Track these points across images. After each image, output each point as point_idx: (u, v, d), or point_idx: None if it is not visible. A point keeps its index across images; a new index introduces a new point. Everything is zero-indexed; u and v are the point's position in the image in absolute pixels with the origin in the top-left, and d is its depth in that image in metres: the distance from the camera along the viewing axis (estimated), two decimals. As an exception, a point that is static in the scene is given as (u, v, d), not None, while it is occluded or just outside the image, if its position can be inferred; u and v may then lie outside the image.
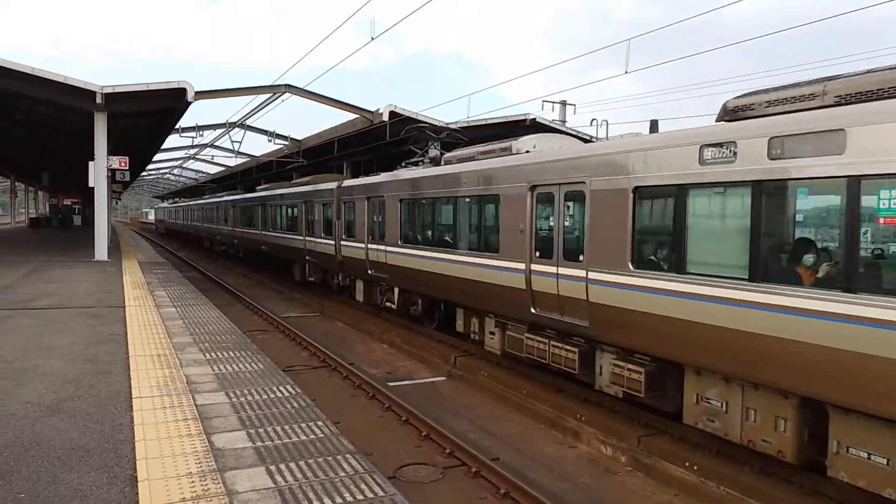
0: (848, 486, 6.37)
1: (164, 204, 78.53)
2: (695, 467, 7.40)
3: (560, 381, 10.32)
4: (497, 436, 8.97)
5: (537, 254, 9.87)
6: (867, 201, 5.69)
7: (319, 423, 5.84)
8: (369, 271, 16.13)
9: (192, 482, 4.47)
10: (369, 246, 15.97)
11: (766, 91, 6.95)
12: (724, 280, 6.84)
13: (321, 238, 19.97)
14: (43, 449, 5.07)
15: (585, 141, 14.90)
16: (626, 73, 13.04)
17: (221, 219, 37.62)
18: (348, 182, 18.89)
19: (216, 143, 38.58)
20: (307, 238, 21.42)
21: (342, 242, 18.19)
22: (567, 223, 9.41)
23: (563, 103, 28.62)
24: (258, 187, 32.59)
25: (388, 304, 15.94)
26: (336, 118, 26.65)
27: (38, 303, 12.34)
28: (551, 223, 9.72)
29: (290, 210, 24.46)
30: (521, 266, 10.11)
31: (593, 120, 31.18)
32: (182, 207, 58.07)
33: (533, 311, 9.90)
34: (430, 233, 13.61)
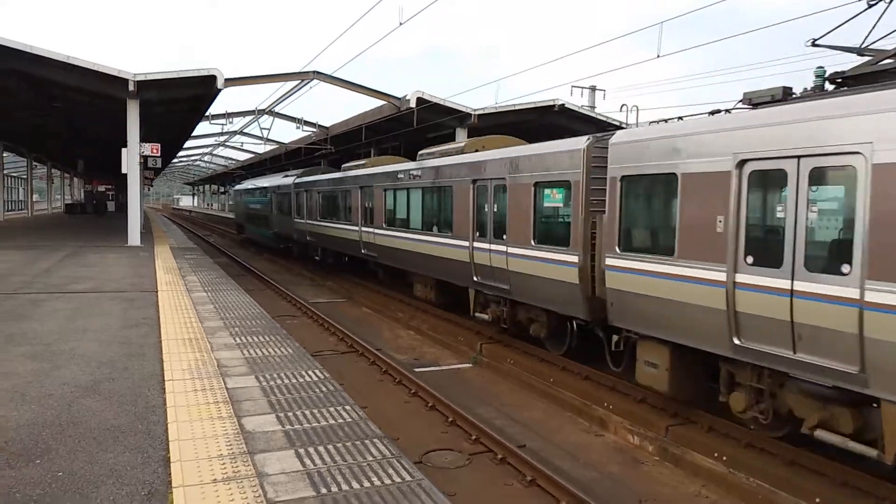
0: (881, 478, 6.26)
1: (279, 179, 29.38)
2: (724, 458, 7.31)
3: (587, 369, 10.27)
4: (523, 423, 8.96)
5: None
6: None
7: (347, 407, 5.89)
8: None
9: (224, 464, 4.56)
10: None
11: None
12: None
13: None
14: (79, 429, 5.20)
15: (616, 127, 14.70)
16: (658, 56, 12.80)
17: None
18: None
19: (245, 130, 38.98)
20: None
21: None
22: None
23: (593, 88, 28.25)
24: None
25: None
26: (364, 105, 26.74)
27: (74, 286, 12.64)
28: None
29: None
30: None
31: (623, 105, 30.61)
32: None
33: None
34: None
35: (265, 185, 31.89)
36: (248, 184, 38.68)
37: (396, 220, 16.13)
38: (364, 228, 18.26)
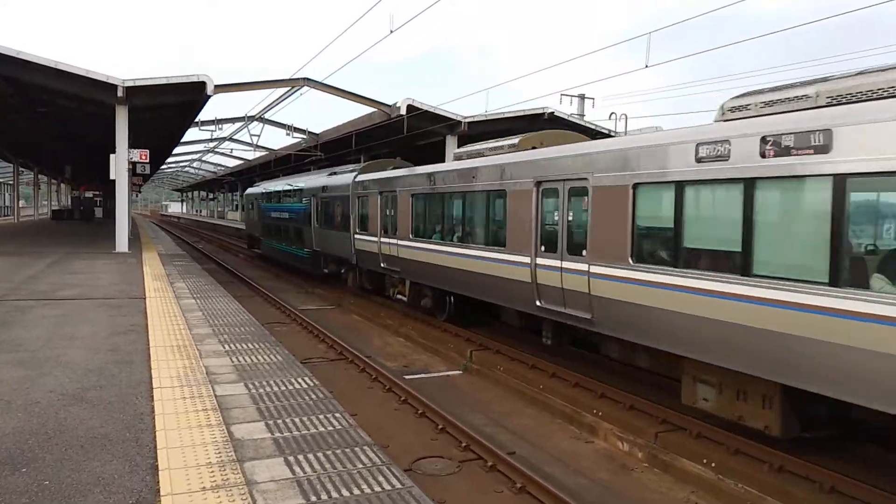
0: (870, 484, 6.31)
1: (323, 178, 21.67)
2: (713, 464, 7.35)
3: (577, 376, 10.30)
4: (513, 430, 8.96)
5: None
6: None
7: (337, 414, 5.87)
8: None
9: (212, 472, 4.52)
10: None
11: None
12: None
13: None
14: (66, 437, 5.15)
15: (605, 135, 14.64)
16: (647, 66, 12.90)
17: None
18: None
19: (235, 137, 38.89)
20: None
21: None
22: None
23: (582, 97, 28.45)
24: None
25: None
26: (355, 111, 26.77)
27: (61, 293, 12.53)
28: None
29: None
30: None
31: (612, 114, 30.77)
32: None
33: None
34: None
35: (300, 185, 23.62)
36: (270, 185, 28.99)
37: (684, 252, 7.56)
38: (545, 261, 10.04)
